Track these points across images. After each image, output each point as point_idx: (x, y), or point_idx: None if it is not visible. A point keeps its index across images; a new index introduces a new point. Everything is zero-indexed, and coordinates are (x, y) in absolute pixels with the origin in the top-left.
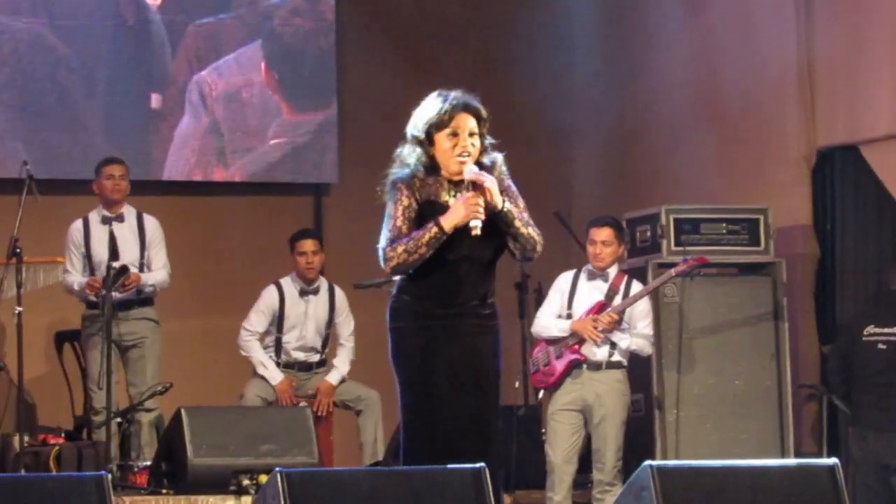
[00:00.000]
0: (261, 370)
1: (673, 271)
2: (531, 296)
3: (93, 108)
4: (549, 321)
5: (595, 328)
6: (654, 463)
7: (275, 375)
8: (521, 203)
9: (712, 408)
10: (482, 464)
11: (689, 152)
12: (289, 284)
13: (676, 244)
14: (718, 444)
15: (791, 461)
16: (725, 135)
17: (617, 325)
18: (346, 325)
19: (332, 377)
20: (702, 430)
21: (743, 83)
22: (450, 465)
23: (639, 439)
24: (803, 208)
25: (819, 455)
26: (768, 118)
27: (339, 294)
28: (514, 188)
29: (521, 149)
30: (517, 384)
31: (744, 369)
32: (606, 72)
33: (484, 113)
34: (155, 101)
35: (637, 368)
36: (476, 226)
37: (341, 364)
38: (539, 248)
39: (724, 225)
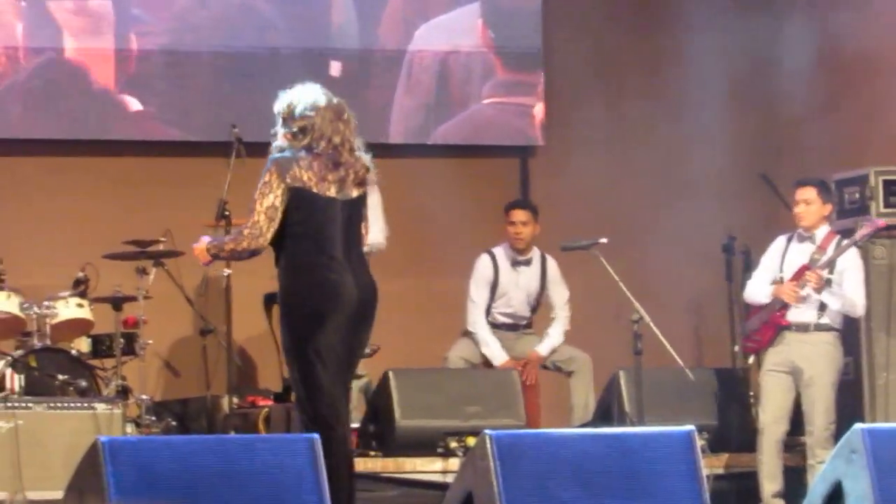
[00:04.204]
0: (484, 349)
1: (857, 237)
2: (738, 258)
3: (292, 72)
4: (754, 288)
5: (796, 291)
6: (864, 426)
7: (498, 356)
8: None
9: None
10: (692, 426)
11: None
12: (501, 254)
13: (885, 206)
14: None
15: None
16: None
17: (826, 285)
18: (559, 295)
19: (544, 347)
20: None
21: None
22: (660, 427)
23: (848, 402)
24: None
25: None
26: None
27: (552, 264)
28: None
29: (730, 110)
30: (736, 348)
31: None
32: (819, 29)
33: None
34: (334, 68)
35: (846, 331)
36: None
37: (555, 334)
38: (245, 245)
39: None
